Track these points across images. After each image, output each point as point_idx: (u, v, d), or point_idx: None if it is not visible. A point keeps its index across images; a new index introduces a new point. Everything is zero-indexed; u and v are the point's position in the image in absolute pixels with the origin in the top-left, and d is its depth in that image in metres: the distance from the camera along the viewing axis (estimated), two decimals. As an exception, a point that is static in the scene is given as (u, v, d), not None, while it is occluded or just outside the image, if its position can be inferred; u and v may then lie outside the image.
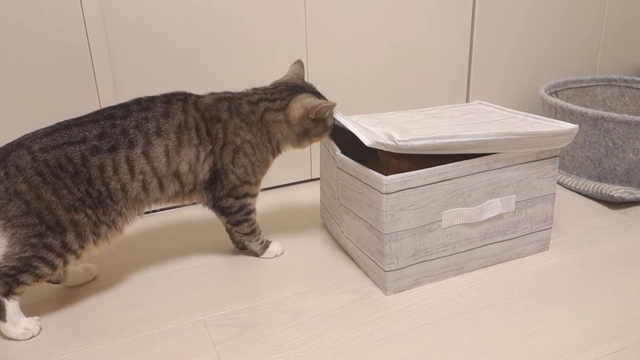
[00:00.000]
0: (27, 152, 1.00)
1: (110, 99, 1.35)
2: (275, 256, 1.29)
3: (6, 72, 1.26)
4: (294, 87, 1.20)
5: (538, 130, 1.13)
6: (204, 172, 1.13)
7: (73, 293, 1.17)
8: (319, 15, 1.53)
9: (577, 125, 1.18)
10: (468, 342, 0.99)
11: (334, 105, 1.16)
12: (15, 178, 0.98)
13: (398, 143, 1.03)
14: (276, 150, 1.21)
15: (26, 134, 1.03)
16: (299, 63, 1.26)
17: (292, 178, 1.69)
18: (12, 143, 1.02)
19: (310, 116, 1.15)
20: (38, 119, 1.27)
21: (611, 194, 1.47)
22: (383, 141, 1.06)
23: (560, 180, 1.63)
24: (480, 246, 1.19)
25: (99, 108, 1.33)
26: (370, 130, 1.12)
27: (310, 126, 1.17)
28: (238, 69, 1.48)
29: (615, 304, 1.09)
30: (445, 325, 1.04)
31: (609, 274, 1.19)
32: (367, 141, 1.07)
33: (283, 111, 1.16)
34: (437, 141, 1.06)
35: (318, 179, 1.69)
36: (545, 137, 1.14)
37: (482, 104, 1.42)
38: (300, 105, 1.16)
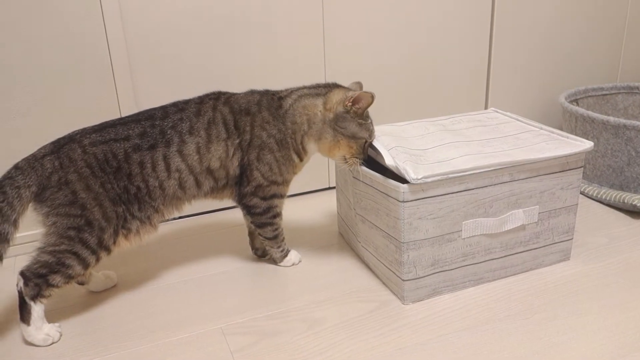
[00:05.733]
0: (78, 145, 1.06)
1: (129, 104, 1.37)
2: (293, 265, 1.29)
3: (29, 78, 1.28)
4: (345, 88, 1.21)
5: (551, 155, 1.13)
6: (233, 167, 1.16)
7: (93, 300, 1.18)
8: (337, 23, 1.53)
9: (592, 143, 1.17)
10: (487, 353, 0.98)
11: (372, 96, 1.12)
12: (68, 168, 1.04)
13: (412, 181, 1.04)
14: (300, 148, 1.18)
15: (75, 130, 1.11)
16: (359, 83, 1.25)
17: (310, 186, 1.69)
18: (63, 138, 1.09)
19: (347, 103, 1.14)
20: (60, 123, 1.29)
21: (634, 203, 1.45)
22: (399, 171, 1.07)
23: (582, 190, 1.61)
24: (501, 257, 1.18)
25: (118, 113, 1.36)
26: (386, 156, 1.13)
27: (342, 116, 1.14)
28: (257, 76, 1.48)
29: (638, 314, 1.07)
30: (463, 336, 1.03)
31: (631, 285, 1.17)
32: (389, 160, 1.09)
33: (323, 96, 1.17)
34: (450, 176, 1.06)
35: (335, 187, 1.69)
36: (558, 159, 1.15)
37: (497, 112, 1.41)
38: (342, 91, 1.17)
